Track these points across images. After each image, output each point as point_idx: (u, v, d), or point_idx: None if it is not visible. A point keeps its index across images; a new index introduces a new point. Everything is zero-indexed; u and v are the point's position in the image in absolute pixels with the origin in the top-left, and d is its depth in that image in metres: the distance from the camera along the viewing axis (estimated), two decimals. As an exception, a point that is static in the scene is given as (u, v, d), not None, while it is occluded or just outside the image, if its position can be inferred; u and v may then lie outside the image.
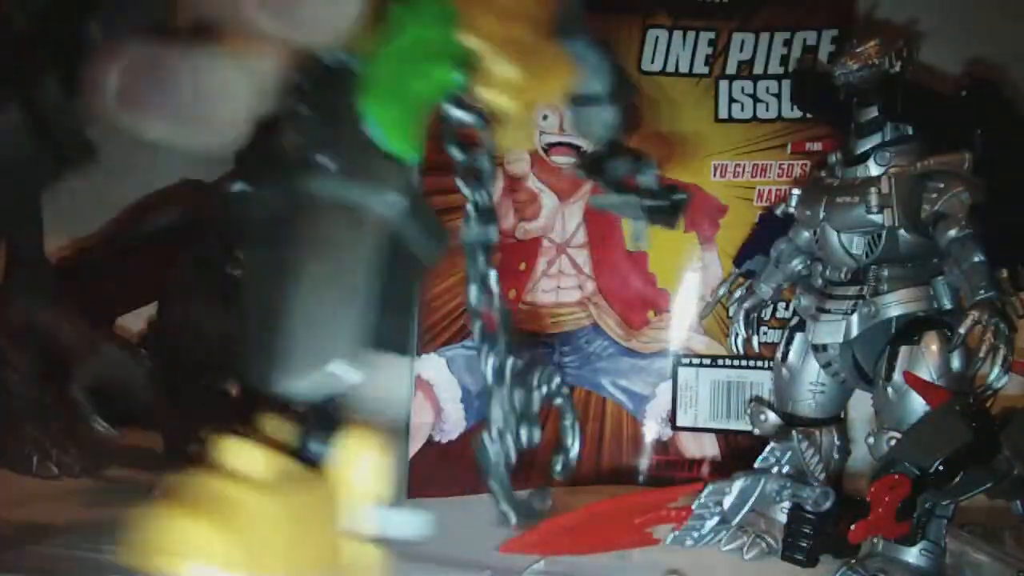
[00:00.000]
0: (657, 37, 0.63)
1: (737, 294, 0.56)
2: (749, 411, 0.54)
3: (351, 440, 0.21)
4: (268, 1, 0.21)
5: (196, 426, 0.62)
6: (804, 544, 0.39)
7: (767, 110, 0.62)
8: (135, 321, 0.68)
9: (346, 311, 0.20)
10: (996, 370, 0.42)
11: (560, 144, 0.62)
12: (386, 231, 0.22)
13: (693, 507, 0.36)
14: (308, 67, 0.22)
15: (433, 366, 0.60)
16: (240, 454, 0.19)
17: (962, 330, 0.43)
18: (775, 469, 0.38)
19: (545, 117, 0.62)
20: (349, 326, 0.20)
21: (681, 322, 0.62)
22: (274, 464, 0.20)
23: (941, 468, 0.39)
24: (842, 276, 0.49)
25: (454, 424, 0.60)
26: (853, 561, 0.43)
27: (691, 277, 0.62)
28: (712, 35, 0.62)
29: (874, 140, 0.48)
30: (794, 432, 0.39)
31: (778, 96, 0.62)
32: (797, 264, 0.53)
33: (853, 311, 0.48)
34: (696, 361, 0.62)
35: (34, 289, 0.61)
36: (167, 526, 0.18)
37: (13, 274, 0.61)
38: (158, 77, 0.22)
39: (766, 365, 0.58)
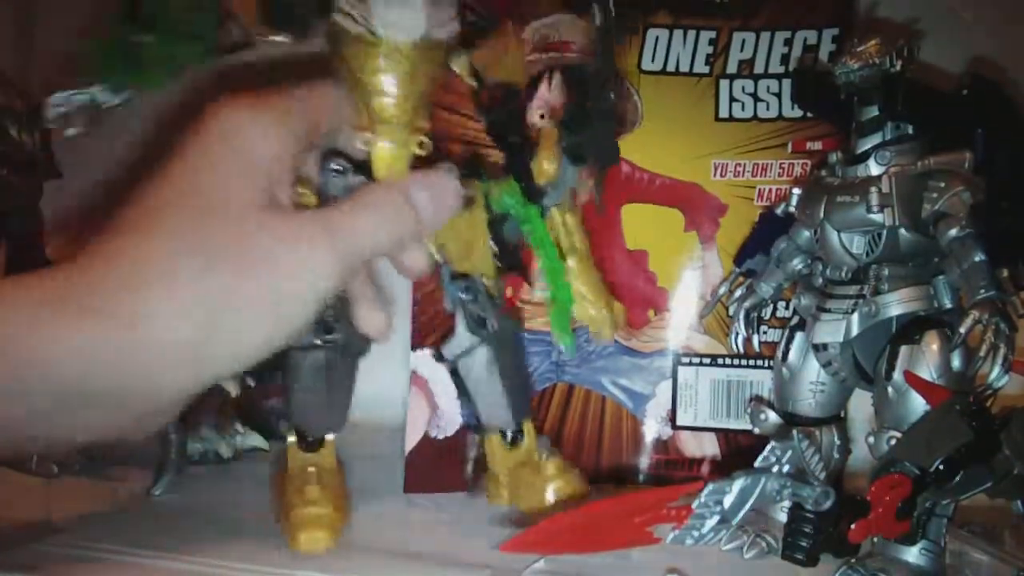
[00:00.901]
0: (657, 36, 0.63)
1: (737, 293, 0.56)
2: (749, 410, 0.54)
3: None
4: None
5: (195, 424, 0.63)
6: (804, 543, 0.39)
7: (768, 109, 0.62)
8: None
9: None
10: (997, 369, 0.42)
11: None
12: None
13: (693, 506, 0.36)
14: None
15: (428, 362, 0.60)
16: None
17: (963, 329, 0.42)
18: (775, 468, 0.38)
19: (542, 116, 0.62)
20: None
21: (681, 321, 0.62)
22: None
23: (941, 467, 0.39)
24: (842, 275, 0.49)
25: (449, 420, 0.60)
26: (853, 560, 0.43)
27: (691, 276, 0.62)
28: (713, 34, 0.62)
29: (875, 139, 0.48)
30: (794, 431, 0.39)
31: (779, 95, 0.62)
32: (797, 263, 0.53)
33: (853, 310, 0.48)
34: (696, 360, 0.62)
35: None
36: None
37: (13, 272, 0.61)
38: None
39: (766, 364, 0.58)
